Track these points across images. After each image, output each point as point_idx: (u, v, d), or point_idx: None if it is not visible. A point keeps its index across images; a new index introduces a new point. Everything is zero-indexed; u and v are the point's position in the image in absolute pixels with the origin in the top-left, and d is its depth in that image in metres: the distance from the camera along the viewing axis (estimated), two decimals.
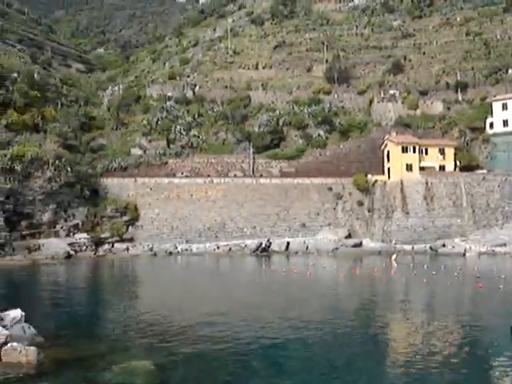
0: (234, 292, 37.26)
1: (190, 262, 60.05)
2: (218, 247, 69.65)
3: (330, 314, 28.19)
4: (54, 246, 63.57)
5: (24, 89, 78.90)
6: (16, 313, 21.19)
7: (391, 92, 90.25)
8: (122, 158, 78.45)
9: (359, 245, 71.04)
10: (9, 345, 18.55)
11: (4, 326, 19.89)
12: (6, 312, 21.17)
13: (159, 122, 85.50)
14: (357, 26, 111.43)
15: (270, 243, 70.03)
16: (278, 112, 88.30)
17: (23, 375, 17.32)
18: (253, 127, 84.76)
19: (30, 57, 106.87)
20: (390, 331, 25.27)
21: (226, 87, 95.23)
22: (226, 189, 74.63)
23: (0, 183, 64.54)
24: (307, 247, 69.65)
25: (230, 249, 69.31)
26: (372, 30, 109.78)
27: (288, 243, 70.03)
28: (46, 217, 67.54)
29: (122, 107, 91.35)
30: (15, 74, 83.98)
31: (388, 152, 75.92)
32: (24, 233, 65.18)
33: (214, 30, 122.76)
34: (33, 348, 18.54)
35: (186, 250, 68.93)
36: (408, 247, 68.41)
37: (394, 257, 57.03)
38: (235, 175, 77.89)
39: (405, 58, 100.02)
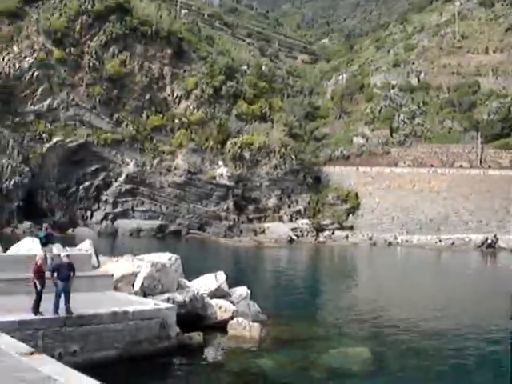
0: (454, 288, 35.52)
1: (409, 254, 58.63)
2: (440, 240, 66.86)
3: None
4: (278, 230, 66.48)
5: (253, 81, 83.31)
6: (242, 290, 22.52)
7: None
8: (345, 147, 79.04)
9: None
10: (235, 319, 19.82)
11: (231, 302, 21.28)
12: (234, 289, 22.60)
13: (382, 111, 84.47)
14: None
15: (497, 239, 65.39)
16: (509, 99, 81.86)
17: (246, 349, 18.40)
18: (481, 115, 79.65)
19: (259, 50, 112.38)
20: None
21: (453, 73, 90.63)
22: (450, 180, 71.28)
23: (231, 169, 69.28)
24: None
25: (452, 243, 66.14)
26: None
27: None
28: (271, 202, 70.87)
29: (346, 96, 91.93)
30: (245, 67, 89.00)
31: None
32: (250, 216, 69.32)
33: (441, 14, 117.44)
34: (257, 324, 19.58)
35: (406, 241, 67.34)
36: None
37: None
38: (461, 166, 73.99)
39: None
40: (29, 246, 22.44)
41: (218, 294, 21.58)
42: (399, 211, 71.47)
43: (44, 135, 64.30)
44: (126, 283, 20.21)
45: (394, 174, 73.17)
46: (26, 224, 57.88)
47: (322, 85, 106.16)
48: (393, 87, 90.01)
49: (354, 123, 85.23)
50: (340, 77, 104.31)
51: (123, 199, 66.58)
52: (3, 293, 17.34)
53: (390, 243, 66.77)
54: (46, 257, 17.85)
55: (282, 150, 71.85)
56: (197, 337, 18.24)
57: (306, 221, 69.88)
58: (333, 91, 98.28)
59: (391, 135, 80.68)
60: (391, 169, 73.92)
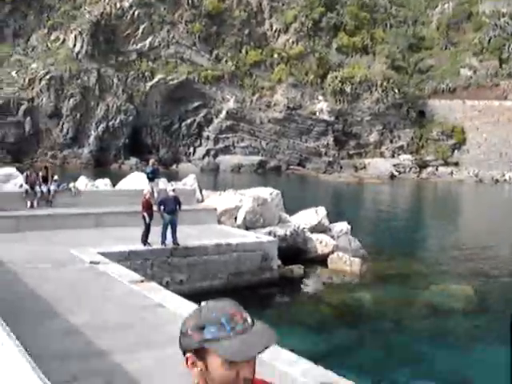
0: None
1: None
2: None
3: None
4: (379, 165, 65.37)
5: (354, 11, 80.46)
6: (343, 225, 22.49)
7: None
8: (451, 79, 75.44)
9: None
10: (335, 254, 19.91)
11: (332, 237, 21.35)
12: (334, 224, 22.61)
13: (491, 41, 79.40)
14: None
15: None
16: None
17: (346, 283, 18.53)
18: None
19: None
20: None
21: None
22: None
23: (331, 104, 68.24)
24: None
25: None
26: None
27: None
28: (373, 137, 69.49)
29: (452, 26, 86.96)
30: None
31: None
32: (351, 152, 68.47)
33: None
34: (357, 259, 19.60)
35: None
36: None
37: None
38: None
39: None
40: (136, 181, 23.40)
41: (318, 228, 21.69)
42: (508, 147, 67.95)
43: (146, 73, 65.84)
44: (228, 217, 20.72)
45: (503, 107, 69.29)
46: (132, 160, 60.31)
47: (427, 14, 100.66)
48: (503, 15, 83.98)
49: (460, 54, 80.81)
50: (446, 5, 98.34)
51: (224, 135, 67.55)
52: (114, 225, 18.34)
53: (497, 180, 64.00)
54: (153, 191, 18.58)
55: (384, 83, 69.69)
56: (297, 270, 18.55)
57: (408, 156, 68.14)
58: (438, 20, 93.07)
59: (501, 66, 75.92)
60: (500, 102, 69.96)
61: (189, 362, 1.84)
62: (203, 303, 1.89)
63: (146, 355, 8.04)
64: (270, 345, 1.79)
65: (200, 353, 1.81)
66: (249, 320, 1.82)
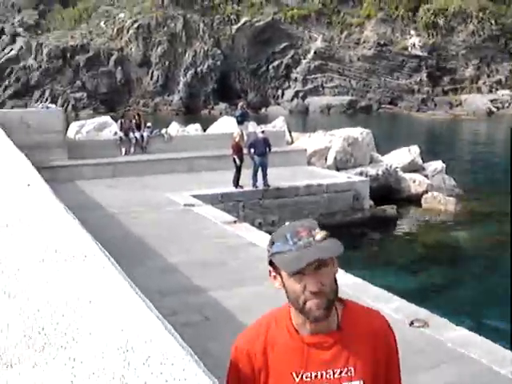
0: None
1: None
2: None
3: None
4: (476, 101, 62.42)
5: None
6: (437, 164, 21.84)
7: None
8: None
9: None
10: (429, 193, 19.44)
11: (425, 176, 20.81)
12: (428, 163, 21.99)
13: None
14: None
15: None
16: None
17: (441, 222, 18.15)
18: None
19: None
20: None
21: None
22: None
23: (423, 39, 65.39)
24: None
25: None
26: None
27: None
28: (468, 72, 66.21)
29: None
30: None
31: None
32: (445, 88, 65.63)
33: None
34: (452, 198, 19.07)
35: None
36: None
37: None
38: None
39: None
40: (226, 125, 23.62)
41: (411, 167, 21.17)
42: None
43: (232, 17, 65.41)
44: (318, 158, 20.61)
45: None
46: (222, 105, 60.78)
47: None
48: None
49: None
50: None
51: (313, 76, 66.47)
52: (206, 169, 18.71)
53: None
54: (242, 134, 18.70)
55: (480, 14, 65.71)
56: (390, 210, 18.27)
57: (507, 92, 64.55)
58: None
59: None
60: None
61: (271, 275, 1.95)
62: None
63: (241, 291, 8.27)
64: (323, 256, 1.80)
65: (274, 266, 1.90)
66: (317, 236, 1.82)
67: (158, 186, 16.45)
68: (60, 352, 1.94)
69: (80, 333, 2.08)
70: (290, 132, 23.88)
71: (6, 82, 59.34)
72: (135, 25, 62.94)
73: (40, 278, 2.66)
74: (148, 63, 62.70)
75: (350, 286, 7.70)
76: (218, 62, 63.85)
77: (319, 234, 1.82)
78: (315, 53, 65.97)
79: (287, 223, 1.93)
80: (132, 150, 20.18)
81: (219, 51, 64.26)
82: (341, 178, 18.07)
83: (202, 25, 64.24)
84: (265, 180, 16.09)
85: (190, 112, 58.26)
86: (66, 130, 21.61)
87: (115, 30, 63.12)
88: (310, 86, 66.20)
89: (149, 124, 21.71)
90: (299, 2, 67.24)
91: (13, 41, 61.73)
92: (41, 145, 17.26)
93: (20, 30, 62.26)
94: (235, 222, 12.60)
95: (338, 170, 19.63)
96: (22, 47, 60.84)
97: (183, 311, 7.56)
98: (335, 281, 1.88)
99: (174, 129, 24.16)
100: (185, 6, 64.29)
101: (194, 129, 24.88)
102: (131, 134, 20.34)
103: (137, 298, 2.42)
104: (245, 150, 16.34)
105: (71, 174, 17.42)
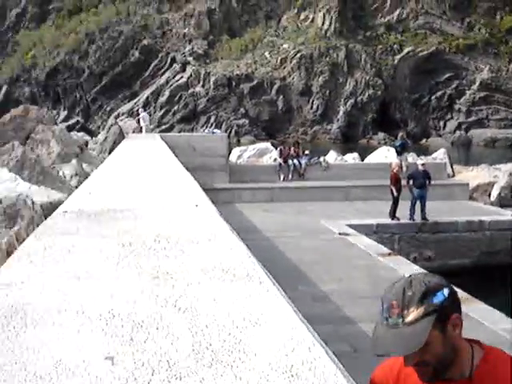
0: None
1: None
2: None
3: None
4: None
5: None
6: None
7: None
8: None
9: None
10: None
11: None
12: None
13: None
14: None
15: None
16: None
17: None
18: None
19: None
20: None
21: None
22: None
23: None
24: None
25: None
26: None
27: None
28: None
29: None
30: None
31: None
32: None
33: None
34: None
35: None
36: None
37: None
38: None
39: None
40: (384, 155, 23.29)
41: None
42: None
43: (395, 46, 64.77)
44: (481, 193, 19.59)
45: None
46: (380, 135, 60.07)
47: None
48: None
49: None
50: None
51: (477, 108, 63.68)
52: (362, 198, 18.53)
53: None
54: (401, 164, 18.32)
55: None
56: None
57: None
58: None
59: None
60: None
61: None
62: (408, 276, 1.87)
63: None
64: (393, 354, 1.80)
65: None
66: (407, 318, 1.75)
67: (314, 212, 16.56)
68: (227, 370, 2.00)
69: (246, 353, 2.13)
70: (451, 165, 22.98)
71: (176, 108, 63.40)
72: (298, 55, 64.48)
73: (208, 295, 2.78)
74: (309, 92, 63.81)
75: (509, 330, 7.18)
76: (379, 92, 63.37)
77: (411, 315, 1.75)
78: (481, 83, 63.21)
79: (396, 283, 1.84)
80: (290, 176, 20.57)
81: (380, 81, 63.80)
82: (505, 215, 16.98)
83: (364, 54, 64.29)
84: (423, 213, 15.57)
85: (348, 141, 58.22)
86: (229, 154, 22.54)
87: (279, 59, 65.11)
88: (473, 117, 63.45)
89: (307, 152, 22.02)
90: (465, 31, 64.98)
91: (183, 69, 65.98)
92: (205, 167, 18.15)
93: (190, 58, 66.40)
94: (390, 254, 12.30)
95: (502, 206, 18.49)
96: (191, 75, 64.80)
97: (333, 340, 7.48)
98: (446, 345, 1.78)
99: (332, 157, 24.26)
100: (348, 37, 64.78)
101: (352, 158, 24.80)
102: (290, 161, 20.75)
103: (300, 324, 2.44)
104: (403, 182, 15.96)
105: (231, 196, 18.10)
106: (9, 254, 4.79)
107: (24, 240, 4.57)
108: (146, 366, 2.05)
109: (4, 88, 66.76)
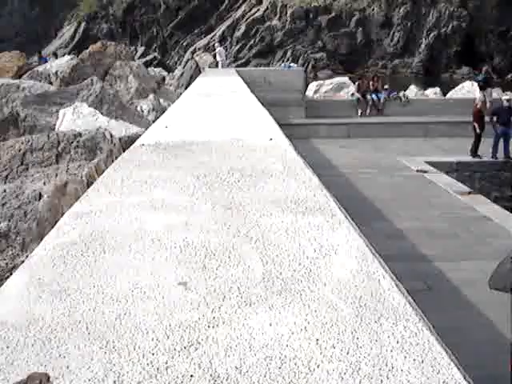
0: None
1: None
2: None
3: None
4: None
5: None
6: None
7: None
8: None
9: None
10: None
11: None
12: None
13: None
14: None
15: None
16: None
17: None
18: None
19: None
20: None
21: None
22: None
23: None
24: None
25: None
26: None
27: None
28: None
29: None
30: None
31: None
32: None
33: None
34: None
35: None
36: None
37: None
38: None
39: None
40: (467, 90, 22.36)
41: None
42: None
43: None
44: None
45: None
46: (464, 69, 57.45)
47: None
48: None
49: None
50: None
51: None
52: (442, 135, 17.96)
53: None
54: (485, 100, 17.55)
55: None
56: None
57: None
58: None
59: None
60: None
61: None
62: None
63: (469, 266, 7.93)
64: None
65: None
66: None
67: (391, 149, 16.24)
68: (296, 298, 2.03)
69: (315, 282, 2.15)
70: None
71: (252, 42, 62.70)
72: None
73: (279, 226, 2.80)
74: (389, 24, 61.45)
75: None
76: (464, 24, 60.21)
77: None
78: None
79: None
80: (368, 111, 20.14)
81: (465, 12, 60.46)
82: None
83: None
84: (506, 151, 14.97)
85: (430, 75, 56.03)
86: (305, 89, 22.22)
87: None
88: None
89: (386, 86, 21.43)
90: None
91: (259, 2, 64.77)
92: (281, 102, 17.98)
93: None
94: (470, 193, 11.97)
95: None
96: (267, 8, 63.59)
97: (407, 278, 7.44)
98: None
99: (412, 92, 23.52)
100: None
101: (434, 92, 23.94)
102: (368, 96, 20.27)
103: (371, 257, 2.43)
104: (486, 118, 15.32)
105: (308, 132, 17.97)
106: (89, 184, 4.96)
107: (103, 172, 4.72)
108: (217, 291, 2.10)
109: (82, 25, 67.87)
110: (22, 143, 5.35)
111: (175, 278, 2.23)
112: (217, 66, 26.33)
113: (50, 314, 2.00)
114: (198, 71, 23.10)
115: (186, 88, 17.19)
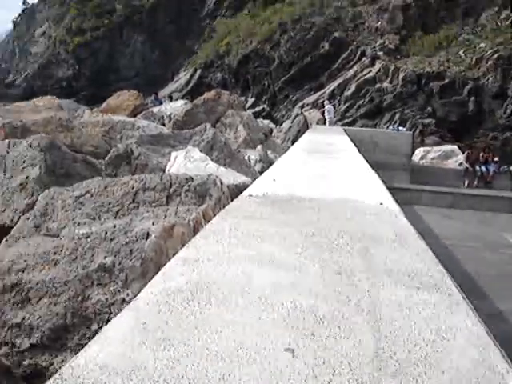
0: None
1: None
2: None
3: None
4: None
5: None
6: None
7: None
8: None
9: None
10: None
11: None
12: None
13: None
14: None
15: None
16: None
17: None
18: None
19: None
20: None
21: None
22: None
23: None
24: None
25: None
26: None
27: None
28: None
29: None
30: None
31: None
32: None
33: None
34: None
35: None
36: None
37: None
38: None
39: None
40: None
41: None
42: None
43: None
44: None
45: None
46: None
47: None
48: None
49: None
50: None
51: None
52: None
53: None
54: None
55: None
56: None
57: None
58: None
59: None
60: None
61: None
62: None
63: None
64: None
65: None
66: None
67: (498, 224, 15.51)
68: (412, 383, 1.87)
69: (433, 368, 1.99)
70: None
71: (360, 102, 62.78)
72: (495, 55, 60.47)
73: (392, 300, 2.64)
74: (503, 95, 59.72)
75: None
76: None
77: None
78: None
79: None
80: (475, 182, 19.46)
81: None
82: None
83: None
84: None
85: None
86: (412, 153, 21.84)
87: (474, 59, 61.61)
88: None
89: (496, 159, 20.67)
90: None
91: (372, 63, 65.02)
92: (387, 165, 17.72)
93: (380, 53, 65.20)
94: None
95: None
96: (379, 70, 63.68)
97: None
98: None
99: None
100: None
101: None
102: (477, 167, 19.62)
103: (493, 347, 2.23)
104: None
105: (410, 197, 17.52)
106: (195, 229, 5.00)
107: (210, 218, 4.75)
108: (326, 364, 1.99)
109: (198, 72, 70.82)
110: (136, 181, 5.51)
111: (282, 342, 2.14)
112: (324, 123, 26.46)
113: (152, 364, 1.96)
114: (305, 126, 23.32)
115: (292, 142, 17.35)
